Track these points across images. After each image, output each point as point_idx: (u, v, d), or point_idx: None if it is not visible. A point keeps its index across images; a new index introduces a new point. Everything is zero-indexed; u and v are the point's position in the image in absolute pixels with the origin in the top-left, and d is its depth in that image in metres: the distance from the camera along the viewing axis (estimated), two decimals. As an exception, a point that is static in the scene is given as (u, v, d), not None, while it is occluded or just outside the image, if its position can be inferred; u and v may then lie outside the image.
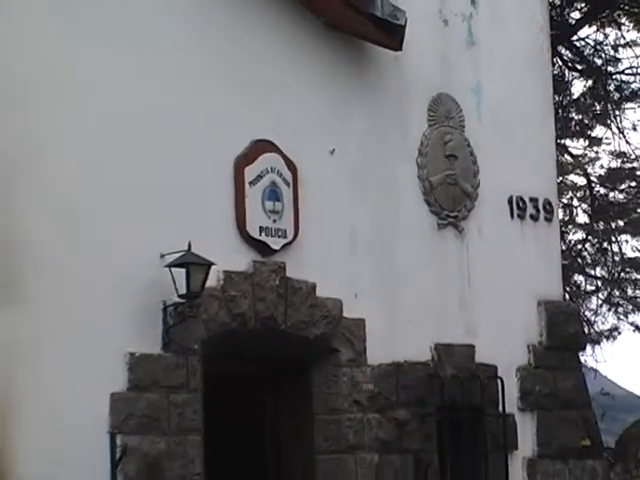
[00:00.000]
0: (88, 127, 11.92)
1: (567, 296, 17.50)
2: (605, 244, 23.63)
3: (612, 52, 23.82)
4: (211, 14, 12.97)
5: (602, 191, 23.89)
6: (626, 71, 23.92)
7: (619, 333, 23.66)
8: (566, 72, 23.44)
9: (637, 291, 23.51)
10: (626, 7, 23.03)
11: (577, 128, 23.62)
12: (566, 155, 22.99)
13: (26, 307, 11.37)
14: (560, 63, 22.38)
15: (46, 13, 11.82)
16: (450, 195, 14.55)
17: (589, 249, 23.78)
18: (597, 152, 24.22)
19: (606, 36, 23.77)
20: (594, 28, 23.54)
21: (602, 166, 24.24)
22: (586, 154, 23.94)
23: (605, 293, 23.74)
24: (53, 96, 11.74)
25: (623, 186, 24.01)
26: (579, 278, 23.17)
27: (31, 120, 11.61)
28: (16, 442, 11.24)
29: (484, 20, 15.06)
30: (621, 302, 23.57)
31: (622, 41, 23.69)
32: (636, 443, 15.63)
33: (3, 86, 11.49)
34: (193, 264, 12.05)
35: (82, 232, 11.77)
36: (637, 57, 23.79)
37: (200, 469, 12.32)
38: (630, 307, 23.56)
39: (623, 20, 23.37)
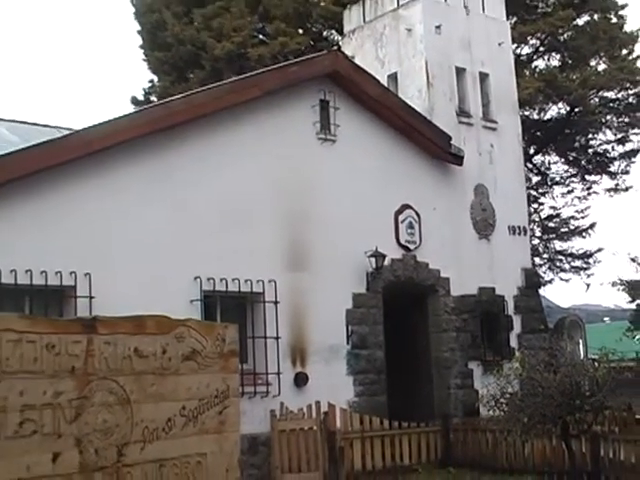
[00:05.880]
0: (344, 205, 11.59)
1: (533, 266, 16.31)
2: (547, 245, 22.51)
3: (547, 165, 22.75)
4: (385, 158, 12.37)
5: (545, 222, 22.65)
6: (553, 173, 22.82)
7: (554, 280, 22.55)
8: (529, 173, 22.24)
9: (560, 264, 22.34)
10: (554, 147, 21.96)
11: (534, 197, 22.52)
12: (531, 207, 21.75)
13: (308, 271, 10.98)
14: (526, 169, 21.19)
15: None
16: (483, 226, 13.55)
17: (540, 247, 22.52)
18: (542, 207, 23.08)
19: (545, 158, 22.68)
20: (540, 155, 22.47)
21: (545, 213, 23.06)
22: (537, 207, 22.74)
23: (548, 264, 22.51)
24: (321, 194, 11.34)
25: (554, 220, 22.73)
26: (536, 259, 21.87)
27: (314, 200, 11.22)
28: (308, 332, 10.89)
29: (497, 153, 13.96)
30: (554, 268, 22.40)
31: (552, 161, 22.63)
32: (562, 327, 14.60)
33: (316, 191, 11.11)
34: (378, 255, 11.51)
35: (333, 238, 11.32)
36: (559, 168, 22.69)
37: (382, 339, 11.69)
38: (558, 270, 22.34)
39: (552, 152, 22.27)
